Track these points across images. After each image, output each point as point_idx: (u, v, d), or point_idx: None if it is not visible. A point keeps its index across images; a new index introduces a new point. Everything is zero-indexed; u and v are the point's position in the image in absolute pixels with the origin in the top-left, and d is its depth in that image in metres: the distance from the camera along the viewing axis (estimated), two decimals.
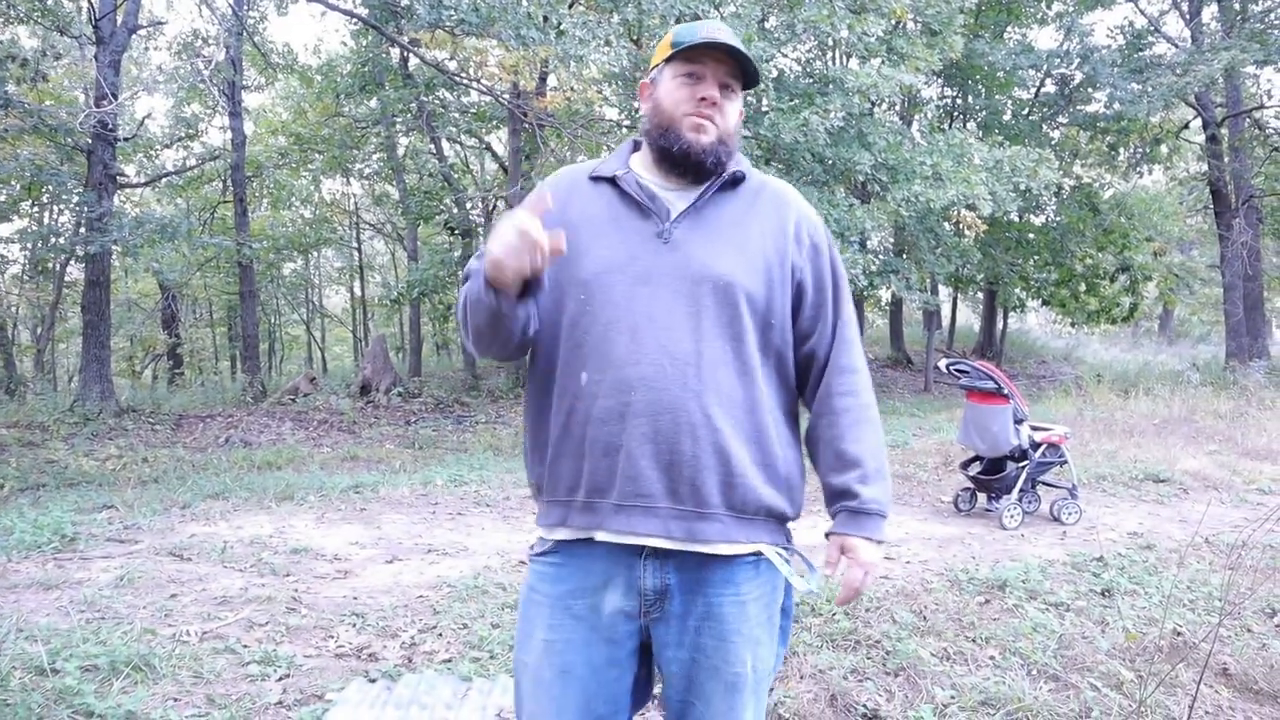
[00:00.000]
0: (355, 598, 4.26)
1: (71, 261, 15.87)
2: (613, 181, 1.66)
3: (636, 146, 1.75)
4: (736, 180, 1.68)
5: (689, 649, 1.59)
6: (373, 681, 3.12)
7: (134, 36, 13.76)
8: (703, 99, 1.61)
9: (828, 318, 1.70)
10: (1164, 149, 20.84)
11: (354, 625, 3.82)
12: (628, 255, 1.58)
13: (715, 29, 1.61)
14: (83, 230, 12.05)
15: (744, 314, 1.58)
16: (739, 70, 1.63)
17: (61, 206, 17.30)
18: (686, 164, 1.62)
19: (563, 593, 1.60)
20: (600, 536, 1.55)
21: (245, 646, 3.48)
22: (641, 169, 1.68)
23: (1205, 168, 19.18)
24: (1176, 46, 18.62)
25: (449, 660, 3.42)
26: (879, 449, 1.69)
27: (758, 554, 1.62)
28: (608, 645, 1.59)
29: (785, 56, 14.64)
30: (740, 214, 1.65)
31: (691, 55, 1.61)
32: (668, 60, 1.64)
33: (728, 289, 1.57)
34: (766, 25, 12.39)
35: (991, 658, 3.46)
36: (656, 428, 1.51)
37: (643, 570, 1.57)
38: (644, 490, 1.52)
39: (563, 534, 1.60)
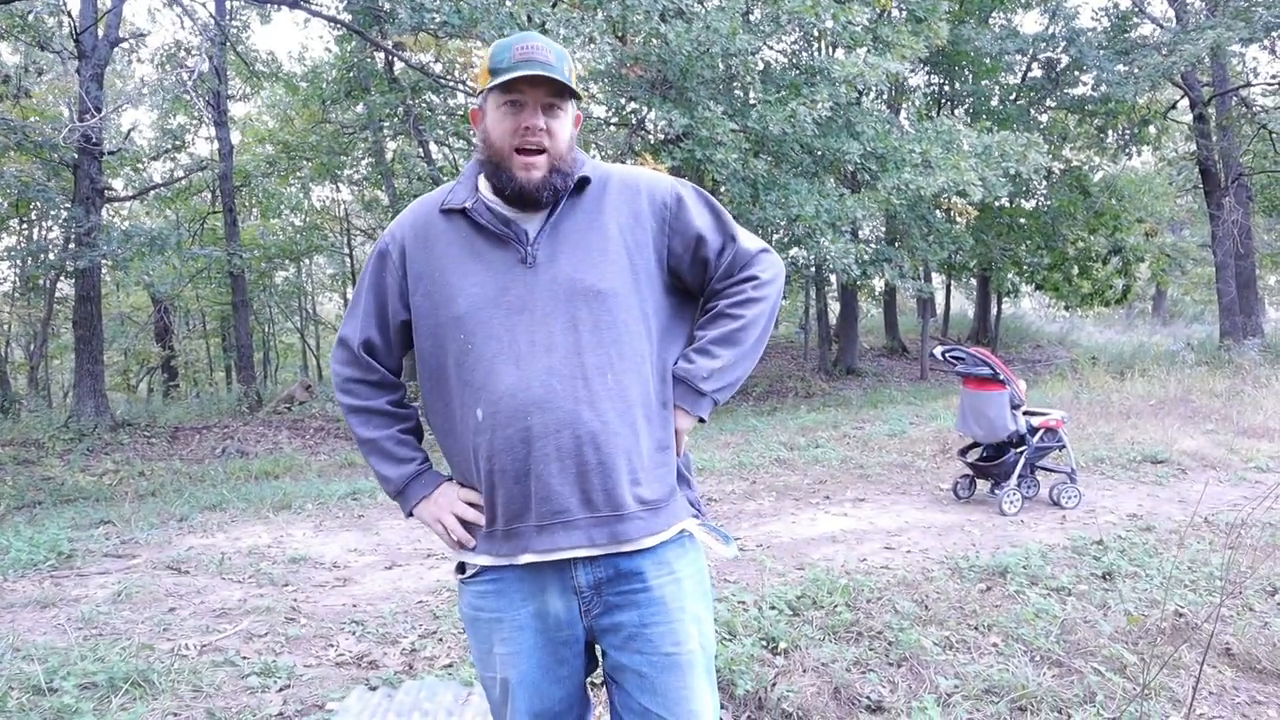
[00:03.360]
0: (355, 605, 4.24)
1: (62, 277, 15.79)
2: (464, 213, 1.67)
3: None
4: (582, 184, 1.68)
5: (641, 640, 1.63)
6: (374, 689, 3.10)
7: (116, 49, 13.70)
8: (527, 129, 1.60)
9: (716, 253, 1.73)
10: (1152, 130, 20.85)
11: (354, 633, 3.81)
12: (498, 287, 1.61)
13: (528, 49, 1.59)
14: (72, 245, 12.01)
15: (623, 316, 1.62)
16: (560, 87, 1.61)
17: (50, 222, 17.23)
18: (524, 200, 1.62)
19: (505, 605, 1.65)
20: (525, 559, 1.60)
21: (245, 658, 3.46)
22: (489, 193, 1.67)
23: (1194, 147, 19.19)
24: (1162, 27, 18.63)
25: (450, 665, 3.40)
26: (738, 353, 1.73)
27: (681, 531, 1.67)
28: (557, 647, 1.66)
29: (771, 49, 14.62)
30: (593, 217, 1.66)
31: (509, 85, 1.59)
32: (489, 89, 1.62)
33: (600, 296, 1.60)
34: (751, 18, 12.36)
35: (994, 645, 3.45)
36: (559, 445, 1.55)
37: (574, 572, 1.62)
38: (559, 507, 1.57)
39: (487, 560, 1.65)
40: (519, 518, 1.60)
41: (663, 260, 1.72)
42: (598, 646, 1.71)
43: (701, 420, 1.74)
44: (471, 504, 1.67)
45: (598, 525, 1.59)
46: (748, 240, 1.78)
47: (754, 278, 1.76)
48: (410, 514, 1.74)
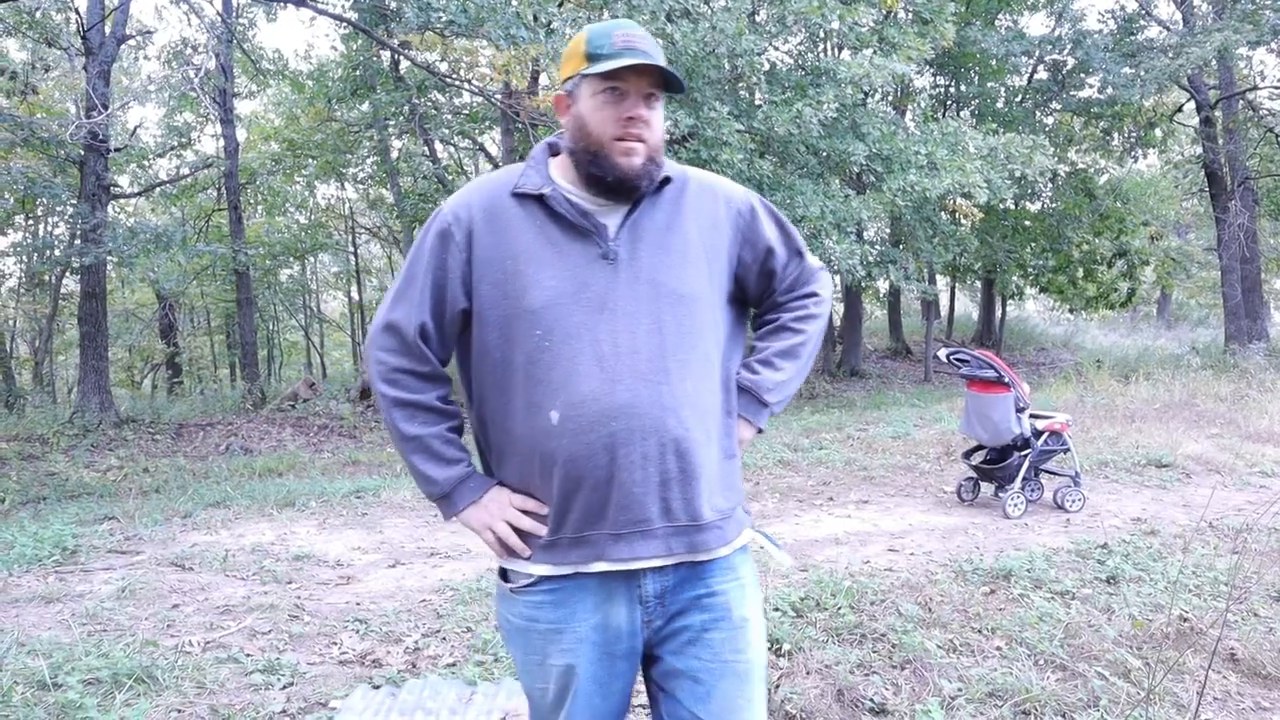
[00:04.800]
0: (358, 603, 4.25)
1: (67, 273, 15.83)
2: (540, 200, 1.59)
3: (552, 150, 1.68)
4: (663, 183, 1.63)
5: (704, 647, 1.59)
6: (377, 688, 3.10)
7: (123, 46, 13.71)
8: (630, 119, 1.53)
9: (783, 266, 1.75)
10: (1158, 133, 20.83)
11: (357, 631, 3.81)
12: (577, 282, 1.53)
13: (629, 36, 1.53)
14: (77, 242, 12.03)
15: (701, 321, 1.59)
16: (661, 79, 1.55)
17: (56, 219, 17.26)
18: (621, 189, 1.56)
19: (566, 617, 1.58)
20: (598, 568, 1.54)
21: (248, 655, 3.46)
22: (564, 180, 1.61)
23: (1200, 150, 19.15)
24: (1168, 29, 18.58)
25: (453, 664, 3.40)
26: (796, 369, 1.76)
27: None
28: (614, 660, 1.60)
29: (777, 49, 14.61)
30: (672, 217, 1.62)
31: (611, 73, 1.52)
32: (584, 74, 1.55)
33: (683, 300, 1.57)
34: (757, 19, 12.36)
35: (998, 648, 3.44)
36: (644, 453, 1.50)
37: (642, 581, 1.57)
38: (640, 516, 1.52)
39: (547, 570, 1.57)
40: (592, 525, 1.53)
41: (732, 268, 1.70)
42: (651, 657, 1.66)
43: (760, 431, 1.73)
44: (526, 511, 1.59)
45: (676, 535, 1.55)
46: (810, 257, 1.79)
47: (815, 295, 1.78)
48: (453, 518, 1.64)
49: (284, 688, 3.18)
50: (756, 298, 1.77)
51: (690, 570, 1.59)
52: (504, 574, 1.65)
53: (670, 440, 1.51)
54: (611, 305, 1.53)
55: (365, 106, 16.85)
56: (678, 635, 1.60)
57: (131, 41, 14.77)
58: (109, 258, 12.13)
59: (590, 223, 1.56)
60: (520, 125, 12.01)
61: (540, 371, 1.52)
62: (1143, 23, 18.82)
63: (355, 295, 25.48)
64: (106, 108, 10.56)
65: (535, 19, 9.52)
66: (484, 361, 1.60)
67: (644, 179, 1.56)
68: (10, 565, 4.77)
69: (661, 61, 1.53)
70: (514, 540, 1.59)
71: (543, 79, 11.77)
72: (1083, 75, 18.73)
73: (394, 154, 18.69)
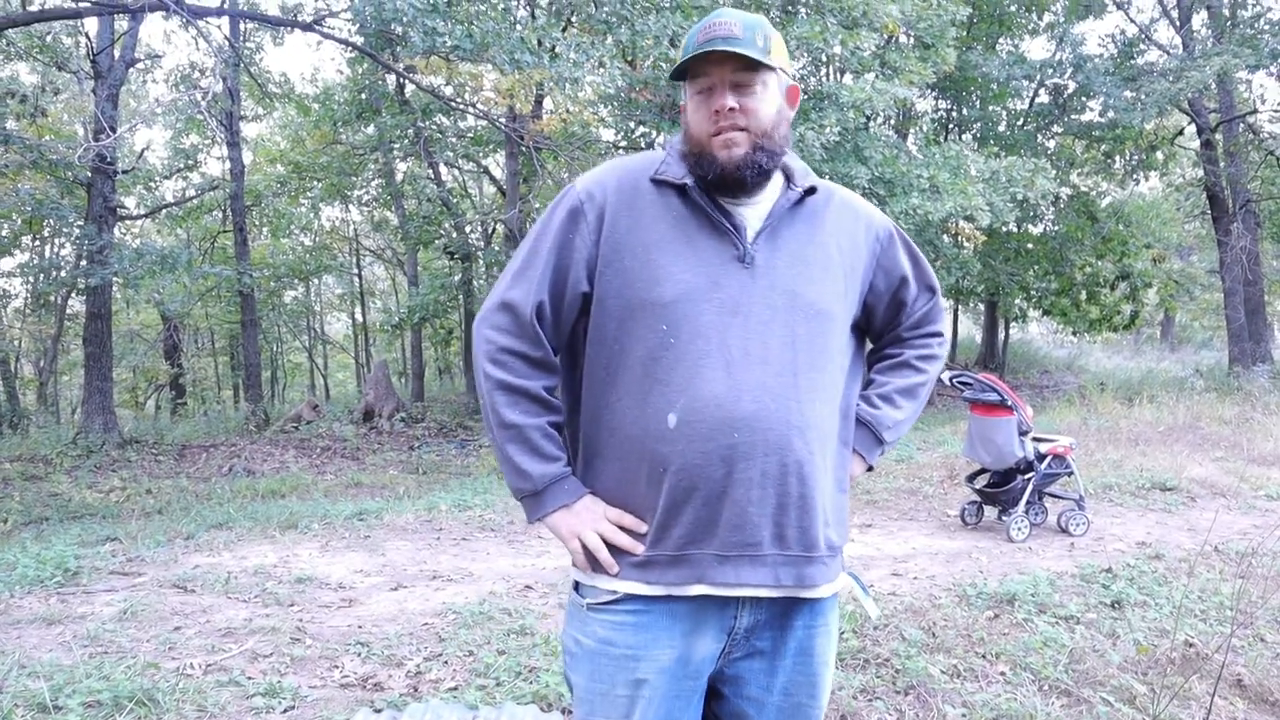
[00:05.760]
0: (360, 626, 4.23)
1: (73, 294, 15.91)
2: (681, 190, 1.50)
3: None
4: (809, 193, 1.56)
5: (779, 689, 1.52)
6: (378, 712, 3.08)
7: (131, 70, 13.86)
8: (717, 112, 1.45)
9: (914, 300, 1.70)
10: (1160, 156, 20.89)
11: (359, 654, 3.80)
12: (710, 280, 1.44)
13: (711, 27, 1.45)
14: (84, 263, 12.11)
15: (833, 341, 1.51)
16: (748, 61, 1.44)
17: (62, 240, 17.39)
18: (726, 185, 1.47)
19: (646, 643, 1.45)
20: (697, 591, 1.43)
21: (250, 678, 3.45)
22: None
23: (1201, 173, 19.21)
24: (1168, 54, 18.71)
25: (455, 688, 3.39)
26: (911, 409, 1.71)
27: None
28: (692, 695, 1.50)
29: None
30: (814, 230, 1.54)
31: (695, 69, 1.47)
32: (673, 80, 1.52)
33: (819, 317, 1.48)
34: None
35: (1002, 673, 3.43)
36: (764, 470, 1.40)
37: (739, 612, 1.47)
38: (751, 539, 1.41)
39: (637, 589, 1.45)
40: (697, 543, 1.42)
41: (863, 294, 1.62)
42: (716, 691, 1.57)
43: (870, 469, 1.67)
44: (623, 528, 1.47)
45: (786, 564, 1.44)
46: (939, 296, 1.74)
47: (940, 335, 1.74)
48: (539, 520, 1.52)
49: (285, 711, 3.17)
50: (880, 329, 1.70)
51: (782, 609, 1.49)
52: (578, 587, 1.53)
53: (793, 461, 1.41)
54: (745, 310, 1.43)
55: (370, 130, 16.99)
56: (754, 672, 1.52)
57: (140, 65, 14.92)
58: (115, 279, 12.20)
59: (730, 222, 1.48)
60: (524, 148, 12.09)
61: (661, 370, 1.42)
62: (1143, 47, 18.95)
63: (359, 317, 25.56)
64: (114, 130, 10.66)
65: (539, 44, 9.61)
66: (598, 352, 1.50)
67: (746, 168, 1.46)
68: (12, 586, 4.76)
69: (743, 45, 1.43)
70: (604, 554, 1.45)
71: (547, 103, 11.87)
72: (1084, 99, 18.83)
73: (398, 177, 18.81)
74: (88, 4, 10.29)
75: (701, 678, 1.50)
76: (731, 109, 1.45)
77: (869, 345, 1.76)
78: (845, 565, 1.60)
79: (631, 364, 1.45)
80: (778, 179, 1.56)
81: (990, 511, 6.49)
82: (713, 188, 1.48)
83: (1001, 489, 6.17)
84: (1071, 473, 6.32)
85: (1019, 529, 5.95)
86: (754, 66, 1.45)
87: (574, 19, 11.54)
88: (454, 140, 17.55)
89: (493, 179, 19.47)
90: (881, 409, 1.63)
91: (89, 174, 11.79)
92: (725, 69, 1.45)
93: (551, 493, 1.49)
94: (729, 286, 1.44)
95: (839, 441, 1.55)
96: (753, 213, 1.51)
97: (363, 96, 16.16)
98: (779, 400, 1.41)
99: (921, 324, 1.71)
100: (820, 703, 1.55)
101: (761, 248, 1.47)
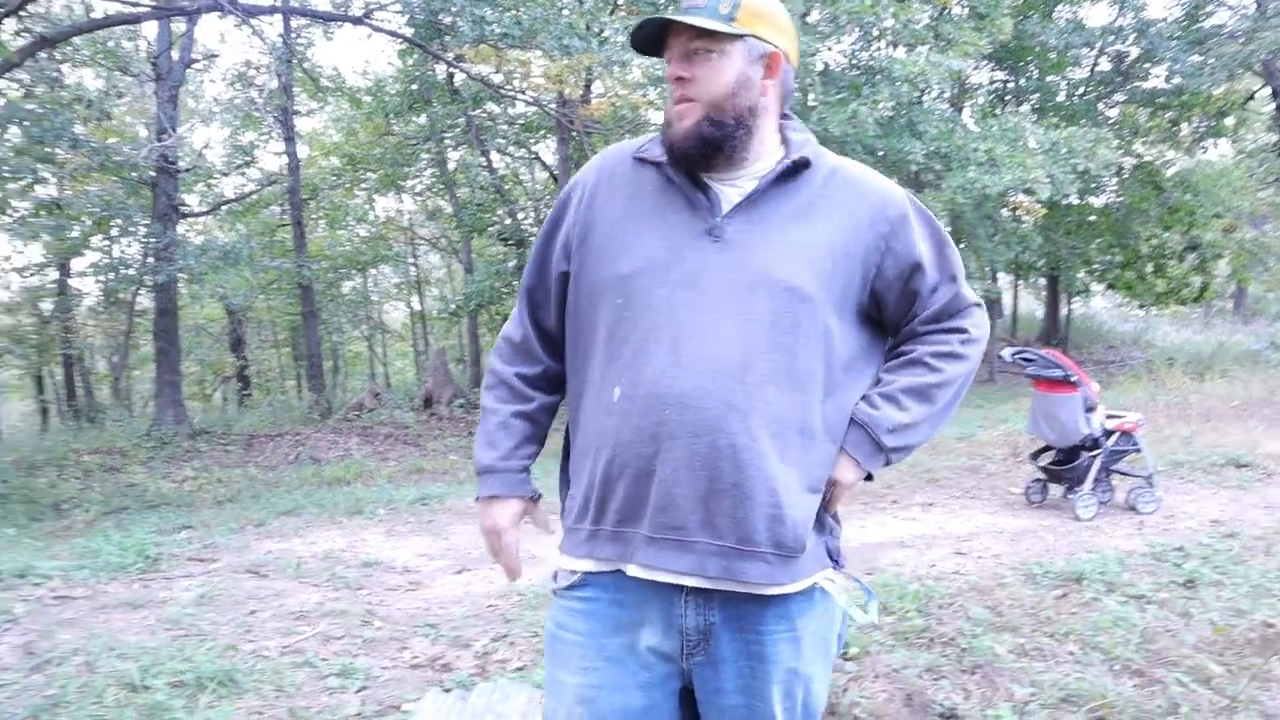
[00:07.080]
0: (427, 609, 4.33)
1: (141, 291, 16.41)
2: (659, 166, 1.47)
3: None
4: (799, 166, 1.45)
5: (741, 695, 1.43)
6: (448, 691, 3.15)
7: (189, 70, 14.20)
8: (670, 85, 1.42)
9: (930, 290, 1.52)
10: (1230, 122, 20.14)
11: (427, 636, 3.88)
12: (671, 254, 1.40)
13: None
14: (150, 260, 12.48)
15: (808, 324, 1.39)
16: (698, 30, 1.39)
17: (130, 239, 17.89)
18: (681, 160, 1.43)
19: (594, 630, 1.44)
20: (630, 570, 1.40)
21: (323, 660, 3.56)
22: None
23: (1275, 139, 18.47)
24: (1239, 14, 17.98)
25: (522, 668, 3.45)
26: (923, 411, 1.50)
27: (812, 585, 1.45)
28: (645, 691, 1.44)
29: (830, 50, 14.50)
30: (803, 207, 1.44)
31: (651, 46, 1.45)
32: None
33: (786, 295, 1.37)
34: (809, 19, 12.28)
35: (1071, 653, 3.37)
36: (693, 451, 1.33)
37: (683, 608, 1.41)
38: (677, 522, 1.35)
39: (589, 565, 1.45)
40: (629, 522, 1.39)
41: (867, 280, 1.47)
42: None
43: (869, 478, 1.49)
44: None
45: (716, 554, 1.35)
46: (966, 287, 1.55)
47: (963, 330, 1.54)
48: (476, 501, 1.61)
49: (358, 691, 3.26)
50: (894, 321, 1.54)
51: (737, 611, 1.41)
52: (556, 575, 1.55)
53: (727, 445, 1.33)
54: (704, 285, 1.38)
55: (422, 120, 17.16)
56: (722, 681, 1.44)
57: (197, 65, 15.27)
58: (180, 275, 12.56)
59: (705, 196, 1.43)
60: (574, 133, 12.12)
61: (615, 345, 1.41)
62: (1211, 8, 18.23)
63: (416, 305, 25.92)
64: (175, 130, 10.95)
65: (588, 28, 9.62)
66: (574, 330, 1.51)
67: (691, 141, 1.40)
68: (98, 573, 4.96)
69: (697, 13, 1.38)
70: (504, 558, 1.59)
71: (595, 87, 11.87)
72: (1147, 65, 18.19)
73: (451, 165, 18.97)
74: (146, 8, 10.56)
75: (655, 670, 1.44)
76: (680, 78, 1.42)
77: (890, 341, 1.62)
78: (828, 563, 1.48)
79: (595, 340, 1.46)
80: (776, 152, 1.49)
81: (1055, 489, 6.37)
82: (677, 162, 1.44)
83: (1067, 466, 6.04)
84: (1140, 450, 6.16)
85: (1086, 507, 5.83)
86: (707, 35, 1.39)
87: (621, 2, 11.52)
88: (505, 127, 17.66)
89: (544, 164, 19.53)
90: (881, 409, 1.45)
91: (153, 174, 12.13)
92: (680, 39, 1.42)
93: (486, 481, 1.59)
94: (690, 260, 1.39)
95: (821, 439, 1.42)
96: (735, 188, 1.45)
97: (413, 87, 16.33)
98: (720, 380, 1.34)
99: (940, 317, 1.52)
100: (774, 710, 1.43)
101: (736, 222, 1.41)
